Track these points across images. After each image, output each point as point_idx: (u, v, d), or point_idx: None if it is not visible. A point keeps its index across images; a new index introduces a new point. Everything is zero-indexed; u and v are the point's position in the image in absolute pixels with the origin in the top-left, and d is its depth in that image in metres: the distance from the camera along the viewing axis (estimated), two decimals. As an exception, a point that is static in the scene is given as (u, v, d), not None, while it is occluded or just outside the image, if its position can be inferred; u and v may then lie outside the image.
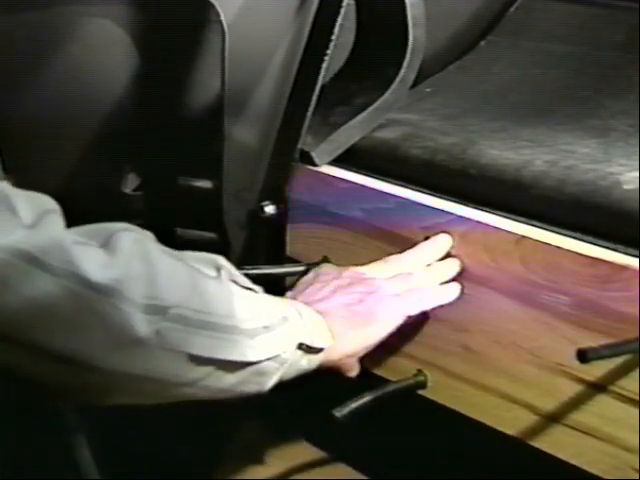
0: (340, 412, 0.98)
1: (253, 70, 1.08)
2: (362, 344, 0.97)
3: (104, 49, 1.06)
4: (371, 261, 1.06)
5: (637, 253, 0.90)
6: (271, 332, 0.87)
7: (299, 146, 1.10)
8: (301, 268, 1.11)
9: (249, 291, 0.91)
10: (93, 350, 0.76)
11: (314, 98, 1.09)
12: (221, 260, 0.91)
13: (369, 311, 0.97)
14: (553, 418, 0.95)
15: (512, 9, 1.30)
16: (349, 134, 1.12)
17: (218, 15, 1.03)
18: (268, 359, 0.87)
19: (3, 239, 0.72)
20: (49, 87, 1.02)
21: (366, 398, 1.00)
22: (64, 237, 0.76)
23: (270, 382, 0.89)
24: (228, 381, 0.85)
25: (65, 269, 0.73)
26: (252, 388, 0.88)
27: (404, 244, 1.04)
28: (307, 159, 1.09)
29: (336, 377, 1.12)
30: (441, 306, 0.99)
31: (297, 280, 1.04)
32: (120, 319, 0.75)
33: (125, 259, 0.77)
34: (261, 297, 0.92)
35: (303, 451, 1.26)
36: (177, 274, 0.81)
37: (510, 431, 0.98)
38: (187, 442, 1.34)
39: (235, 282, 0.90)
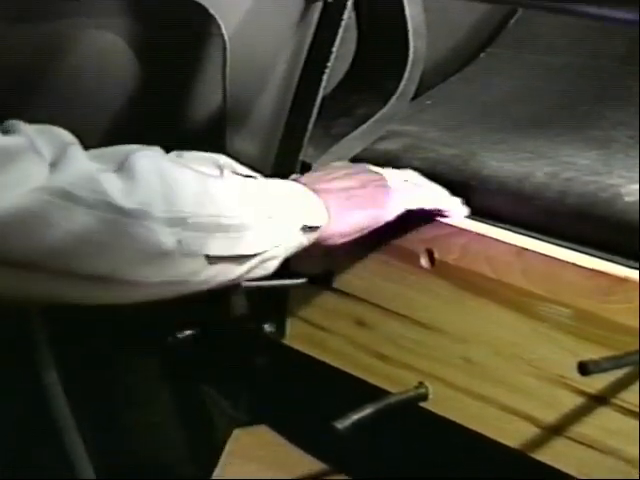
0: (341, 424, 0.98)
1: (254, 82, 1.08)
2: (357, 225, 0.99)
3: (105, 61, 1.06)
4: (373, 273, 1.06)
5: (637, 265, 0.90)
6: (275, 220, 0.92)
7: (300, 158, 1.11)
8: (303, 280, 1.12)
9: (250, 179, 0.96)
10: (126, 267, 0.84)
11: (315, 110, 1.10)
12: (221, 158, 0.98)
13: (369, 195, 1.00)
14: (554, 430, 0.95)
15: (512, 21, 1.30)
16: (350, 146, 1.12)
17: (219, 28, 1.04)
18: (275, 246, 0.93)
19: (37, 180, 0.78)
20: (50, 100, 1.02)
21: (367, 410, 1.00)
22: (90, 167, 0.82)
23: (275, 264, 0.95)
24: (238, 272, 0.91)
25: (96, 199, 0.80)
26: (258, 273, 0.94)
27: (406, 256, 1.04)
28: (308, 171, 1.09)
29: (336, 388, 1.13)
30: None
31: None
32: (148, 236, 0.83)
33: (145, 181, 0.84)
34: (262, 184, 0.95)
35: (304, 462, 1.26)
36: (190, 184, 0.87)
37: (511, 443, 0.98)
38: (184, 452, 1.34)
39: (237, 174, 0.97)
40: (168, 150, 0.94)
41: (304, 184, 0.97)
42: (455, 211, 1.04)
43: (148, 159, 0.86)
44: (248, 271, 0.92)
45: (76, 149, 0.83)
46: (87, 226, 0.80)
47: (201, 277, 0.89)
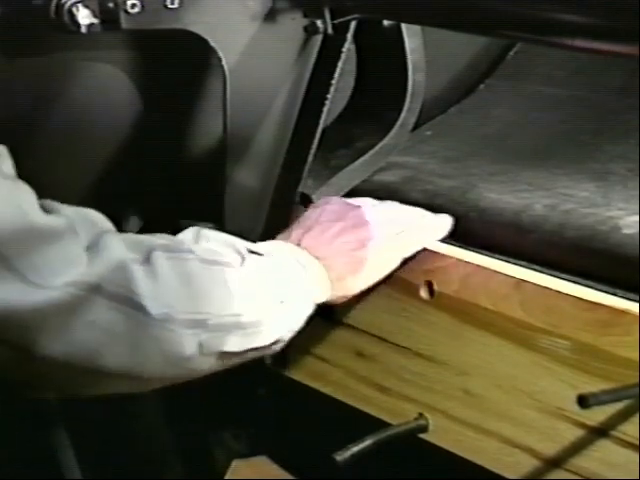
0: (341, 456, 0.98)
1: (254, 113, 1.09)
2: (358, 288, 1.03)
3: (106, 93, 1.07)
4: (373, 304, 1.06)
5: (637, 298, 0.90)
6: (288, 305, 0.96)
7: (300, 189, 1.11)
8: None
9: (264, 261, 0.96)
10: (147, 364, 0.86)
11: (315, 141, 1.10)
12: (238, 243, 0.96)
13: (368, 257, 1.01)
14: (554, 463, 0.94)
15: (511, 53, 1.31)
16: (350, 177, 1.13)
17: (220, 60, 1.04)
18: (288, 332, 0.97)
19: (74, 269, 0.80)
20: (51, 131, 1.03)
21: (367, 442, 1.00)
22: (123, 259, 0.84)
23: (282, 346, 0.98)
24: (251, 356, 0.95)
25: (124, 296, 0.82)
26: (270, 353, 0.99)
27: (405, 287, 1.04)
28: (308, 202, 1.10)
29: (336, 420, 1.13)
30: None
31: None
32: (171, 338, 0.85)
33: (168, 281, 0.86)
34: (271, 265, 0.96)
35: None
36: (212, 285, 0.90)
37: (511, 475, 0.98)
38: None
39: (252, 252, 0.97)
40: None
41: (305, 248, 0.99)
42: (442, 228, 1.04)
43: (172, 261, 0.87)
44: (261, 354, 0.96)
45: (111, 238, 0.85)
46: (114, 321, 0.82)
47: (217, 368, 0.92)
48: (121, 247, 0.85)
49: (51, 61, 1.00)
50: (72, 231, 0.83)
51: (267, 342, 0.94)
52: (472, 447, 1.01)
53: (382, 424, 1.06)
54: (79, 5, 0.94)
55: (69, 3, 0.94)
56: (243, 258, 0.95)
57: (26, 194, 0.82)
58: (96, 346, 0.82)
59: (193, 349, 0.87)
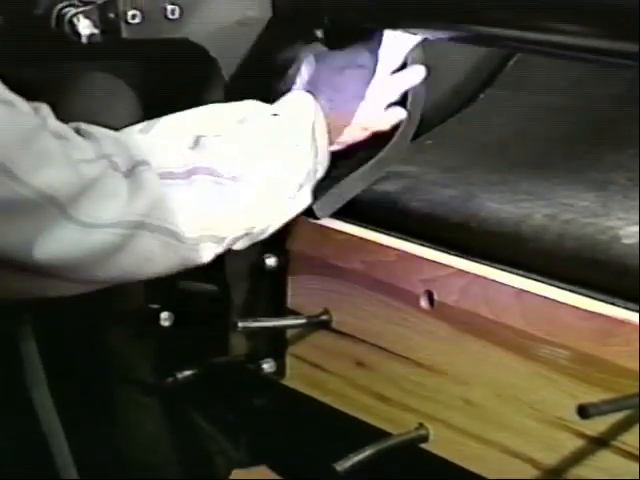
0: (341, 465, 0.98)
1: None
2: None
3: (107, 103, 1.07)
4: (372, 314, 1.06)
5: (637, 307, 0.90)
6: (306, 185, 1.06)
7: (300, 199, 1.11)
8: (302, 321, 1.12)
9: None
10: (162, 271, 0.97)
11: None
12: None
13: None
14: (554, 472, 0.94)
15: (511, 63, 1.31)
16: (350, 187, 1.13)
17: (220, 69, 1.05)
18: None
19: (117, 207, 0.89)
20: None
21: (368, 451, 1.00)
22: (160, 194, 0.92)
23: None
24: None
25: (164, 228, 0.92)
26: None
27: (405, 297, 1.04)
28: (308, 212, 1.10)
29: (336, 429, 1.13)
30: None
31: None
32: (195, 254, 0.97)
33: (200, 208, 0.96)
34: (288, 142, 1.04)
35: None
36: (233, 205, 0.99)
37: (512, 485, 0.98)
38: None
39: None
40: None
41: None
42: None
43: (209, 186, 0.97)
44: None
45: (147, 171, 0.92)
46: (153, 249, 0.92)
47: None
48: (155, 180, 0.92)
49: (52, 70, 1.01)
50: (111, 166, 0.90)
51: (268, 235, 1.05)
52: (472, 457, 1.01)
53: (382, 434, 1.06)
54: (80, 15, 0.95)
55: (70, 13, 0.95)
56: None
57: (72, 145, 0.88)
58: (131, 267, 0.93)
59: (210, 257, 0.98)
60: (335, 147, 1.09)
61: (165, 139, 0.98)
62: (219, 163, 0.97)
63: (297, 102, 1.07)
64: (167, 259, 0.95)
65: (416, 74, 1.12)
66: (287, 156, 1.03)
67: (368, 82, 1.09)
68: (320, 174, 1.08)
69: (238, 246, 1.03)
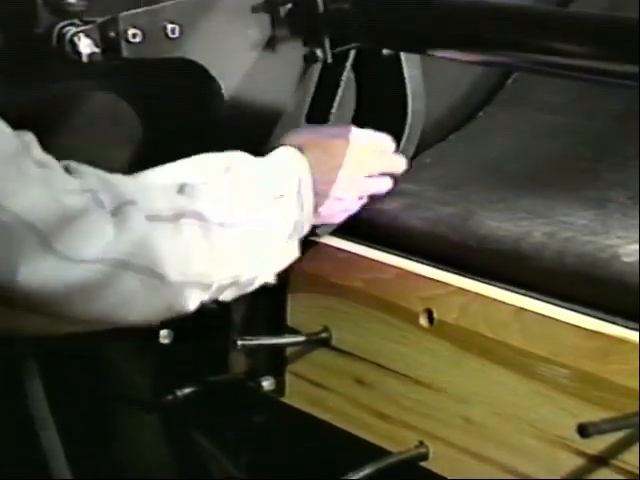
0: (341, 484, 0.98)
1: (253, 142, 1.09)
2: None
3: (107, 121, 1.07)
4: (372, 332, 1.06)
5: (637, 326, 0.90)
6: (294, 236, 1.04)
7: (299, 217, 1.11)
8: (301, 338, 1.12)
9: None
10: (150, 317, 0.95)
11: (315, 169, 1.10)
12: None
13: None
14: (554, 491, 0.95)
15: (509, 81, 1.32)
16: (350, 205, 1.13)
17: (220, 88, 1.05)
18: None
19: (101, 245, 0.87)
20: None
21: (367, 470, 1.00)
22: (146, 234, 0.90)
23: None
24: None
25: (148, 268, 0.90)
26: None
27: (403, 314, 1.04)
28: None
29: (336, 447, 1.12)
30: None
31: None
32: (179, 298, 0.94)
33: (187, 251, 0.94)
34: (273, 192, 1.02)
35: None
36: (222, 251, 0.97)
37: (512, 503, 0.98)
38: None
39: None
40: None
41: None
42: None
43: (195, 229, 0.95)
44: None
45: (135, 212, 0.90)
46: (135, 289, 0.90)
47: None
48: (142, 220, 0.90)
49: (52, 89, 1.01)
50: (97, 202, 0.88)
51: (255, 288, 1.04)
52: (472, 475, 1.01)
53: (382, 452, 1.06)
54: (80, 34, 0.95)
55: (71, 32, 0.95)
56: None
57: (56, 175, 0.87)
58: (112, 307, 0.90)
59: (196, 304, 0.96)
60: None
61: (153, 183, 0.97)
62: (207, 209, 0.96)
63: (284, 155, 1.05)
64: (151, 302, 0.93)
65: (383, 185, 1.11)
66: (273, 205, 1.02)
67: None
68: (306, 230, 1.06)
69: (226, 296, 1.01)
